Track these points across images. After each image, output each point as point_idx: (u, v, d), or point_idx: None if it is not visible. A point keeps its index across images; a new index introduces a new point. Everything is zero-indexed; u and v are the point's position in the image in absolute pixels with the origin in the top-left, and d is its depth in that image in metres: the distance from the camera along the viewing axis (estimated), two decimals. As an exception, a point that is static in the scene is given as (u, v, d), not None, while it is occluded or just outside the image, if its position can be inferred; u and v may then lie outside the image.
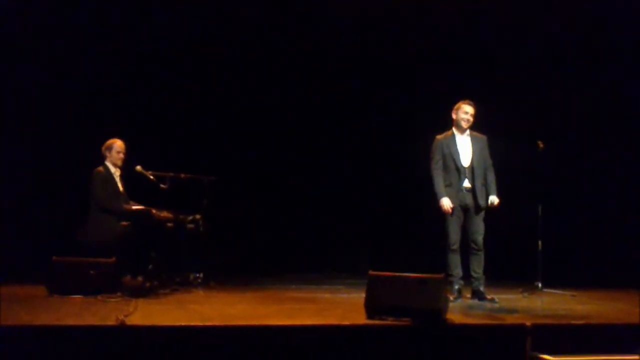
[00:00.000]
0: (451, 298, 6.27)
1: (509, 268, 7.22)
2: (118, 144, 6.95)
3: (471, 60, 8.82)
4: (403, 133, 9.02)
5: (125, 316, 4.71)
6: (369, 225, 9.19)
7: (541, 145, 7.04)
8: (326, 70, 9.02)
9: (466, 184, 6.53)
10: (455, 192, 6.50)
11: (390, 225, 9.11)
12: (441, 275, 5.23)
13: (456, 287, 6.44)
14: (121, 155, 6.95)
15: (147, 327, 4.71)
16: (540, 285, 6.95)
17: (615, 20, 8.40)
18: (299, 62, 8.97)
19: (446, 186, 6.50)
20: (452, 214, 6.45)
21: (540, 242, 7.03)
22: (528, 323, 4.93)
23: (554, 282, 7.03)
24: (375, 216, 9.20)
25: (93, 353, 4.46)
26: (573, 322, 5.34)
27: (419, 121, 8.70)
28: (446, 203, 6.43)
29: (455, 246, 6.48)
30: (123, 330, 4.54)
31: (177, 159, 7.96)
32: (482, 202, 6.52)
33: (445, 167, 6.54)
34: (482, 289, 6.49)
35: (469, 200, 6.52)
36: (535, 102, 8.61)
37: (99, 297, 5.96)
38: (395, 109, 9.10)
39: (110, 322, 4.63)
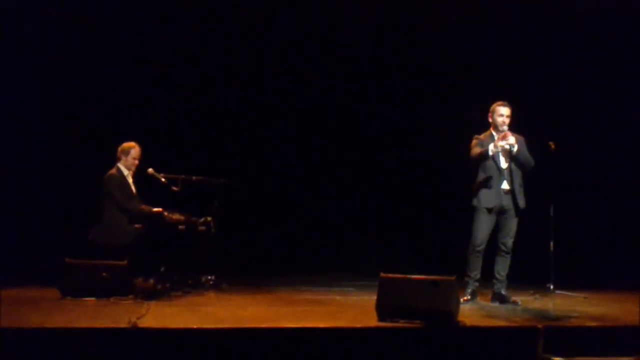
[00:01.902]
0: (462, 300, 6.26)
1: (520, 270, 7.19)
2: (135, 149, 6.97)
3: (484, 60, 8.79)
4: (415, 134, 9.00)
5: (138, 318, 4.73)
6: (380, 227, 9.17)
7: (553, 146, 7.01)
8: (336, 66, 9.00)
9: (505, 185, 6.45)
10: (494, 193, 6.42)
11: (401, 227, 9.09)
12: (452, 277, 5.20)
13: (470, 289, 6.40)
14: (136, 162, 6.99)
15: (159, 329, 4.73)
16: (552, 287, 6.91)
17: (629, 17, 8.37)
18: (310, 63, 8.97)
19: (484, 187, 6.42)
20: (489, 213, 6.38)
21: (552, 244, 7.00)
22: (540, 325, 4.91)
23: (566, 284, 6.99)
24: (387, 218, 9.18)
25: (105, 355, 4.49)
26: (585, 324, 5.33)
27: (431, 121, 8.70)
28: (490, 148, 6.31)
29: (480, 247, 6.42)
30: (135, 333, 4.56)
31: (189, 162, 7.99)
32: (521, 204, 6.46)
33: (484, 168, 6.46)
34: (504, 292, 6.45)
35: (506, 202, 6.44)
36: (547, 103, 8.58)
37: (112, 300, 5.98)
38: (407, 109, 9.08)
39: (123, 324, 4.65)
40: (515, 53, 8.73)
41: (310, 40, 8.89)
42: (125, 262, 6.29)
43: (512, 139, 6.40)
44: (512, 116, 6.50)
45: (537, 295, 6.83)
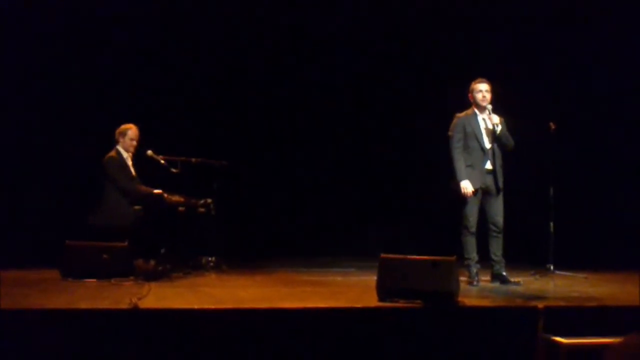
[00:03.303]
0: (474, 283, 6.28)
1: (520, 250, 7.20)
2: (132, 130, 6.97)
3: (481, 39, 8.76)
4: (412, 114, 8.98)
5: (139, 299, 4.74)
6: (380, 208, 9.17)
7: (553, 127, 6.99)
8: (334, 51, 8.97)
9: (488, 165, 6.43)
10: (477, 173, 6.39)
11: (401, 207, 9.09)
12: (453, 258, 5.21)
13: (474, 270, 6.39)
14: (134, 143, 6.98)
15: (160, 310, 4.76)
16: (552, 267, 6.91)
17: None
18: (311, 49, 8.94)
19: (467, 167, 6.38)
20: (474, 194, 6.36)
21: (552, 224, 6.99)
22: (540, 305, 4.92)
23: (566, 264, 7.00)
24: (386, 198, 9.18)
25: (106, 336, 4.50)
26: (585, 304, 5.34)
27: (429, 101, 8.68)
28: (467, 186, 6.31)
29: (473, 229, 6.40)
30: (136, 314, 4.57)
31: (188, 144, 7.98)
32: (501, 184, 6.45)
33: (467, 147, 6.41)
34: (504, 272, 6.45)
35: (489, 181, 6.42)
36: (547, 83, 8.55)
37: (112, 281, 6.00)
38: (406, 91, 9.06)
39: (124, 305, 4.66)
40: (516, 39, 8.71)
41: (308, 25, 8.85)
42: (125, 243, 6.30)
43: (496, 118, 6.39)
44: (493, 92, 6.47)
45: (537, 276, 6.83)
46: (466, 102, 6.61)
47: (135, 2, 8.33)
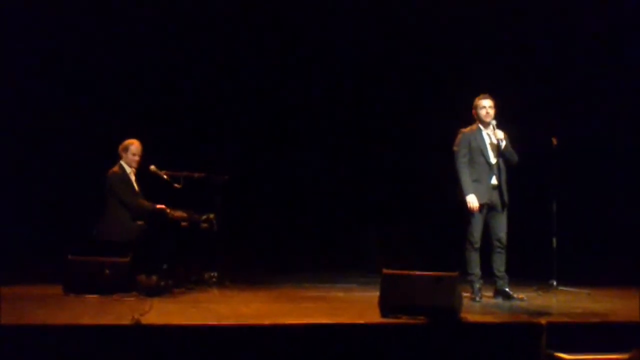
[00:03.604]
0: (477, 299, 6.26)
1: (523, 266, 7.19)
2: (135, 145, 6.97)
3: (485, 53, 8.79)
4: (414, 129, 9.00)
5: (141, 315, 4.72)
6: (382, 224, 9.16)
7: (555, 142, 7.00)
8: (336, 60, 9.00)
9: (494, 180, 6.43)
10: (484, 188, 6.38)
11: (403, 223, 9.08)
12: (455, 273, 5.19)
13: (477, 286, 6.37)
14: (137, 158, 6.98)
15: (162, 326, 4.74)
16: (555, 283, 6.91)
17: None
18: (310, 59, 8.96)
19: (473, 181, 6.37)
20: (480, 211, 6.35)
21: (555, 240, 6.99)
22: (543, 321, 4.91)
23: (568, 280, 6.99)
24: (389, 214, 9.17)
25: (108, 352, 4.49)
26: (588, 320, 5.32)
27: (431, 117, 8.71)
28: (473, 201, 6.30)
29: (478, 245, 6.38)
30: (138, 330, 4.56)
31: (191, 159, 7.99)
32: (506, 199, 6.43)
33: (472, 162, 6.40)
34: (507, 288, 6.43)
35: (495, 197, 6.41)
36: (550, 98, 8.56)
37: (114, 297, 5.99)
38: (406, 106, 9.08)
39: (126, 321, 4.65)
40: (516, 46, 8.73)
41: (314, 34, 8.88)
42: (128, 258, 6.29)
43: (500, 134, 6.41)
44: (496, 108, 6.48)
45: (539, 291, 6.82)
46: (467, 104, 6.62)
47: (136, 12, 8.37)
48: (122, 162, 6.97)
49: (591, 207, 8.44)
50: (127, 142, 7.00)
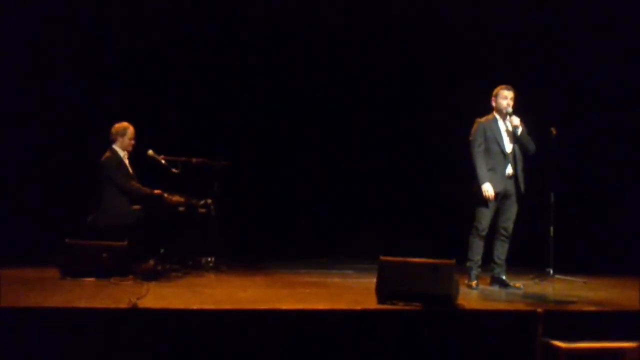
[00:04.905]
0: (473, 285, 6.28)
1: (520, 254, 7.19)
2: (131, 130, 6.92)
3: (485, 45, 8.77)
4: (415, 118, 8.99)
5: (138, 299, 4.74)
6: (380, 210, 9.17)
7: (554, 132, 7.00)
8: (339, 51, 8.97)
9: (509, 169, 6.43)
10: (499, 177, 6.38)
11: (401, 210, 9.08)
12: (452, 261, 5.20)
13: (475, 273, 6.38)
14: (133, 142, 6.94)
15: (159, 310, 4.75)
16: (551, 271, 6.92)
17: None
18: (312, 46, 8.94)
19: (488, 170, 6.37)
20: (495, 199, 6.35)
21: (552, 229, 7.00)
22: (539, 309, 4.91)
23: (565, 268, 7.00)
24: (386, 200, 9.17)
25: (105, 335, 4.50)
26: (584, 308, 5.33)
27: (432, 106, 8.70)
28: (489, 189, 6.29)
29: (484, 232, 6.39)
30: (135, 313, 4.57)
31: (189, 144, 7.98)
32: (523, 189, 6.44)
33: (488, 152, 6.40)
34: (504, 276, 6.45)
35: (509, 186, 6.42)
36: (549, 88, 8.55)
37: (112, 280, 5.99)
38: (410, 98, 9.06)
39: (123, 304, 4.66)
40: (518, 40, 8.71)
41: (312, 22, 8.85)
42: (125, 243, 6.29)
43: (516, 120, 6.40)
44: (516, 100, 6.48)
45: (536, 280, 6.84)
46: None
47: (137, 1, 8.34)
48: (115, 147, 6.90)
49: (589, 196, 8.45)
50: (122, 125, 6.92)
